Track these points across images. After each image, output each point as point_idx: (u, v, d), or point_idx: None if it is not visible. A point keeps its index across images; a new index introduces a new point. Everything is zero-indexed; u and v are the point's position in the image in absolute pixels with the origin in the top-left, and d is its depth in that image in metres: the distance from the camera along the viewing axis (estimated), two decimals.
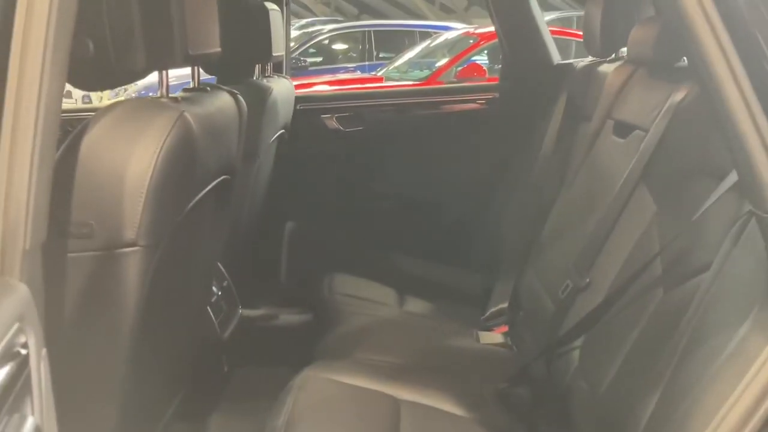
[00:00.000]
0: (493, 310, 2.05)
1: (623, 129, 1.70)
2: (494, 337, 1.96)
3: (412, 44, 8.61)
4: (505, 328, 2.00)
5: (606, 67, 1.99)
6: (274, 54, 2.00)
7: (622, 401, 1.23)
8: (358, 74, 8.41)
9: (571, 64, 2.35)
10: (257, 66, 2.09)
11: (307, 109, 2.50)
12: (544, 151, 2.22)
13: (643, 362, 1.20)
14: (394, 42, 9.41)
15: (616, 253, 1.48)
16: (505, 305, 2.04)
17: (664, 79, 1.59)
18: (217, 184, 1.32)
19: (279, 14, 2.09)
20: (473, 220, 2.49)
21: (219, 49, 1.27)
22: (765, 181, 0.83)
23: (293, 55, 8.66)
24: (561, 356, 1.55)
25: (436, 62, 7.34)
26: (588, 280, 1.53)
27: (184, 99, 1.18)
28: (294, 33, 11.11)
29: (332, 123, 2.52)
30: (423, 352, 1.78)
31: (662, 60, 1.59)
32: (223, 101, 1.34)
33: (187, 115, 1.07)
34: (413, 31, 9.34)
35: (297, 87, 2.56)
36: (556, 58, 2.47)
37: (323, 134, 2.52)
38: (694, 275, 1.17)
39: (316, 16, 17.52)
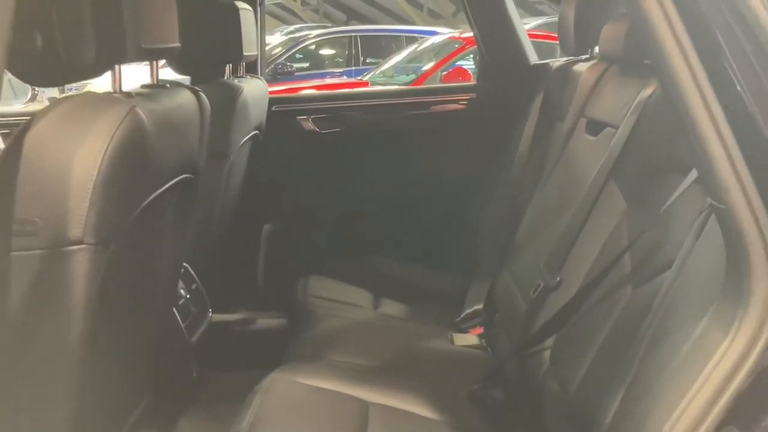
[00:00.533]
0: (468, 311, 2.02)
1: (595, 127, 1.69)
2: (469, 338, 1.93)
3: (399, 49, 8.62)
4: (481, 330, 1.97)
5: (581, 66, 1.98)
6: (245, 54, 1.98)
7: (590, 401, 1.21)
8: (344, 79, 8.41)
9: (547, 64, 2.34)
10: (228, 66, 2.07)
11: (282, 110, 2.47)
12: (521, 151, 2.21)
13: (612, 361, 1.18)
14: (380, 47, 9.42)
15: (587, 251, 1.46)
16: (480, 306, 2.02)
17: (634, 75, 1.58)
18: (177, 182, 1.29)
19: (251, 14, 2.07)
20: (453, 222, 2.47)
21: (177, 44, 1.24)
22: (720, 172, 0.81)
23: (279, 61, 8.66)
24: (533, 357, 1.53)
25: (422, 67, 7.33)
26: (559, 279, 1.51)
27: (138, 94, 1.15)
28: (281, 38, 11.12)
29: (308, 124, 2.49)
30: (395, 355, 1.75)
31: (632, 57, 1.58)
32: (184, 98, 1.31)
33: (138, 110, 1.04)
34: (400, 36, 9.35)
35: (283, 92, 2.53)
36: (533, 58, 2.46)
37: (299, 136, 2.49)
38: (662, 271, 1.15)
39: (305, 22, 17.54)
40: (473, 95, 2.54)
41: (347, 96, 2.87)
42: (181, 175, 1.30)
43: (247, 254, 2.48)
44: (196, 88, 1.38)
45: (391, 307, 2.10)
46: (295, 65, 9.37)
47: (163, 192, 1.21)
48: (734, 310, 0.82)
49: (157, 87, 1.27)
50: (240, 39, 1.91)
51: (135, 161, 1.04)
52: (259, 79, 2.31)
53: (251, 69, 2.31)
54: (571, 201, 1.61)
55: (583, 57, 2.06)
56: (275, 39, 10.99)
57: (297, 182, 2.50)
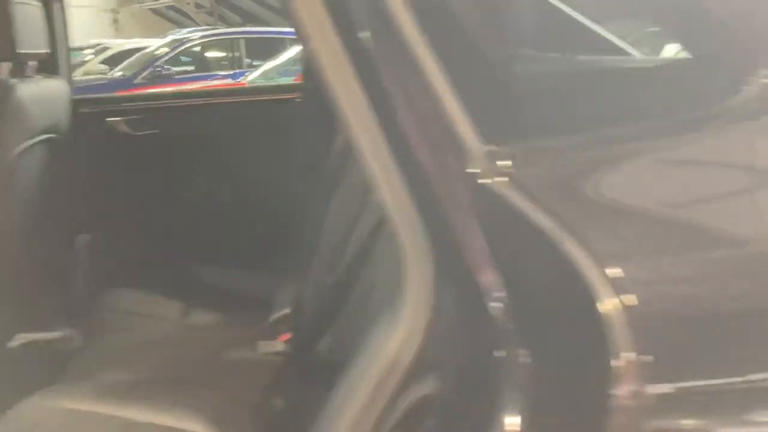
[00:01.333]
0: (276, 316, 1.95)
1: None
2: (275, 345, 1.85)
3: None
4: (289, 336, 1.90)
5: None
6: (23, 52, 1.82)
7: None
8: (229, 82, 8.23)
9: None
10: (6, 65, 1.90)
11: (91, 112, 2.32)
12: (338, 149, 2.16)
13: None
14: (268, 49, 9.26)
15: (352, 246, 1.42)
16: (289, 311, 1.95)
17: None
18: None
19: (35, 8, 1.91)
20: (278, 225, 2.39)
21: None
22: (370, 167, 0.79)
23: (158, 63, 8.36)
24: (312, 361, 1.47)
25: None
26: (332, 278, 1.47)
27: None
28: (166, 39, 10.77)
29: (121, 127, 2.35)
30: (184, 368, 1.65)
31: None
32: None
33: None
34: (285, 39, 9.23)
35: None
36: None
37: (112, 139, 2.35)
38: None
39: (199, 25, 17.10)
40: (298, 95, 2.48)
41: (164, 96, 2.74)
42: None
43: (62, 267, 2.31)
44: None
45: (202, 317, 1.99)
46: (181, 68, 9.10)
47: None
48: (394, 313, 0.78)
49: None
50: (10, 35, 1.75)
51: None
52: (56, 79, 2.15)
53: (48, 69, 2.15)
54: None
55: None
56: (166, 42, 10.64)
57: (112, 189, 2.35)
